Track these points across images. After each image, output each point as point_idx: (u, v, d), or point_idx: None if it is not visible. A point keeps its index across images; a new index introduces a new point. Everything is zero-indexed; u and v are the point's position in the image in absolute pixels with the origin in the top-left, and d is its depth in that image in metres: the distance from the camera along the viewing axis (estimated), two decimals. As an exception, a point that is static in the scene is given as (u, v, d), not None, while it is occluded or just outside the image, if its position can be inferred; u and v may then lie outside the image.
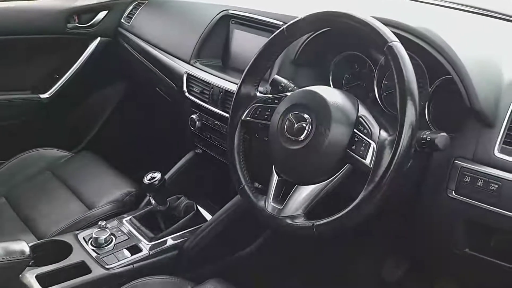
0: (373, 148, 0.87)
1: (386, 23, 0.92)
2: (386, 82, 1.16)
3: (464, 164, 0.92)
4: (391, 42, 0.86)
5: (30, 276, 1.12)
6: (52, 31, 1.85)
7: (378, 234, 1.33)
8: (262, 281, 1.40)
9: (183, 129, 1.56)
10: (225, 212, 1.35)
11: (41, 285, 1.12)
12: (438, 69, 1.00)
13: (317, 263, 1.48)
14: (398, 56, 0.85)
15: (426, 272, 1.34)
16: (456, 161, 0.93)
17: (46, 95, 1.89)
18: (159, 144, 1.95)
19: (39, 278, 1.13)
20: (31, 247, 1.06)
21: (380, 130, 0.89)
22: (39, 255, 1.13)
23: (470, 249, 0.98)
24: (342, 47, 1.22)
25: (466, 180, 0.92)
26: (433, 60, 0.99)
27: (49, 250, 1.24)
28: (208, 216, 1.43)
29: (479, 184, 0.90)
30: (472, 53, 0.97)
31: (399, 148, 0.82)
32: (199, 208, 1.43)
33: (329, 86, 1.25)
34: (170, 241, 1.33)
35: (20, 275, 1.07)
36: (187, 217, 1.38)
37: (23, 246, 1.04)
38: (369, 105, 0.98)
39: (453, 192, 0.94)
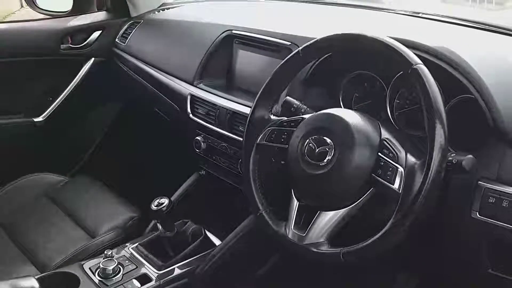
0: (401, 173, 0.85)
1: (403, 43, 0.92)
2: (398, 101, 1.15)
3: (488, 185, 0.91)
4: (416, 64, 0.86)
5: (38, 313, 1.07)
6: (45, 52, 1.81)
7: (391, 251, 1.31)
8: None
9: (185, 151, 1.53)
10: (235, 237, 1.31)
11: (50, 322, 1.07)
12: (452, 88, 0.99)
13: (327, 280, 1.46)
14: (423, 79, 0.84)
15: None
16: (479, 182, 0.92)
17: (40, 119, 1.83)
18: (159, 166, 1.91)
19: (47, 314, 1.09)
20: (37, 280, 1.02)
21: (406, 154, 0.88)
22: (45, 289, 1.08)
23: (493, 269, 0.97)
24: (352, 67, 1.21)
25: (491, 201, 0.90)
26: (448, 79, 0.98)
27: (55, 283, 1.19)
28: (216, 240, 1.40)
29: (505, 205, 0.89)
30: (491, 71, 0.97)
31: (430, 173, 0.80)
32: (207, 232, 1.40)
33: (339, 105, 1.24)
34: (179, 269, 1.29)
35: (29, 313, 1.02)
36: (195, 243, 1.34)
37: (32, 282, 1.00)
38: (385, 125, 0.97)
39: (477, 213, 0.92)
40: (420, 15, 1.43)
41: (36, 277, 1.05)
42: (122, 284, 1.20)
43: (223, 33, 1.45)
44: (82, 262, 1.27)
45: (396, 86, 1.13)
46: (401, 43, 0.90)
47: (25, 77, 1.81)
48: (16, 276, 1.27)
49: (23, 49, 1.77)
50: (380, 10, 1.52)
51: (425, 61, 0.89)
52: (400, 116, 1.14)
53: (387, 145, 0.89)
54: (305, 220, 0.96)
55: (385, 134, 0.92)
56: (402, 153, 0.88)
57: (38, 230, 1.48)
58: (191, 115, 1.44)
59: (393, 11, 1.50)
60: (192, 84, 1.47)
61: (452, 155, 0.87)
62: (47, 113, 1.85)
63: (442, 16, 1.37)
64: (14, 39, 1.77)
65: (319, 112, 1.00)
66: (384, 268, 1.45)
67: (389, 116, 1.16)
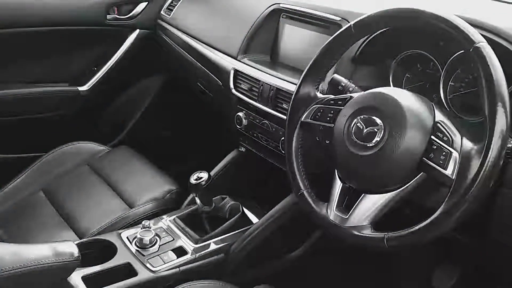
0: (455, 158, 0.80)
1: (469, 22, 0.85)
2: (453, 84, 1.09)
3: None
4: (479, 43, 0.80)
5: (76, 278, 1.09)
6: (91, 22, 1.81)
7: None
8: (309, 286, 1.35)
9: (226, 126, 1.51)
10: (273, 216, 1.29)
11: (87, 287, 1.08)
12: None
13: (364, 268, 1.43)
14: (486, 58, 0.78)
15: (484, 281, 1.27)
16: (540, 172, 0.86)
17: (84, 88, 1.85)
18: (199, 140, 1.91)
19: (85, 279, 1.10)
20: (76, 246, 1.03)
21: (462, 138, 0.82)
22: (84, 254, 1.09)
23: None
24: (404, 45, 1.15)
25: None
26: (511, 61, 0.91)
27: (93, 250, 1.21)
28: (253, 218, 1.38)
29: None
30: None
31: (488, 159, 0.75)
32: (244, 209, 1.39)
33: (389, 85, 1.19)
34: (215, 244, 1.28)
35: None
36: (233, 219, 1.33)
37: (72, 247, 1.01)
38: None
39: (535, 204, 0.87)
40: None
41: (75, 242, 1.06)
42: (158, 255, 1.21)
43: (270, 6, 1.41)
44: (120, 231, 1.29)
45: (452, 67, 1.07)
46: (464, 21, 0.84)
47: (71, 47, 1.83)
48: (56, 240, 1.30)
49: (70, 19, 1.78)
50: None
51: (489, 41, 0.83)
52: (454, 100, 1.08)
53: (441, 128, 0.84)
54: (348, 202, 0.92)
55: (439, 116, 0.86)
56: (457, 137, 0.82)
57: (78, 197, 1.50)
58: (233, 90, 1.41)
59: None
60: (235, 59, 1.44)
61: (511, 141, 0.81)
62: (91, 83, 1.86)
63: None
64: (61, 8, 1.78)
65: (369, 90, 0.95)
66: (424, 258, 1.40)
67: (442, 99, 1.10)
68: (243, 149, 1.51)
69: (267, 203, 1.36)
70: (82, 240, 1.25)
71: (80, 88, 1.85)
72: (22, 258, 0.90)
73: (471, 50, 0.80)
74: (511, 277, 1.07)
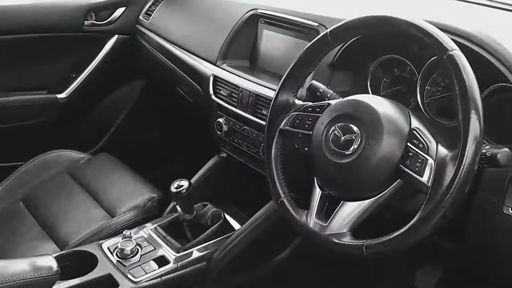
0: (431, 165, 0.81)
1: (439, 27, 0.86)
2: (429, 88, 1.10)
3: (524, 181, 0.86)
4: (452, 50, 0.80)
5: (56, 292, 1.08)
6: (69, 29, 1.79)
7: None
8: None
9: (207, 132, 1.51)
10: (255, 222, 1.29)
11: (68, 301, 1.07)
12: (489, 76, 0.93)
13: (346, 273, 1.43)
14: (459, 66, 0.79)
15: (471, 282, 1.29)
16: (514, 177, 0.87)
17: (63, 95, 1.82)
18: (180, 146, 1.90)
19: (65, 293, 1.09)
20: (55, 258, 1.01)
21: (437, 145, 0.83)
22: (63, 267, 1.08)
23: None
24: (381, 51, 1.16)
25: (525, 197, 0.86)
26: (484, 67, 0.93)
27: (74, 261, 1.19)
28: (235, 225, 1.38)
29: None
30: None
31: (463, 166, 0.76)
32: (226, 216, 1.38)
33: (367, 90, 1.19)
34: (198, 252, 1.27)
35: (47, 292, 1.02)
36: (214, 226, 1.33)
37: (50, 261, 0.99)
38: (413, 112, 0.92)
39: (510, 209, 0.88)
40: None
41: (54, 255, 1.05)
42: (140, 265, 1.20)
43: (248, 12, 1.40)
44: (101, 242, 1.27)
45: (428, 72, 1.08)
46: (437, 27, 0.85)
47: (48, 54, 1.80)
48: (36, 252, 1.28)
49: (47, 25, 1.76)
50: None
51: (461, 47, 0.84)
52: (431, 104, 1.09)
53: (417, 135, 0.85)
54: (328, 209, 0.92)
55: (415, 123, 0.87)
56: (432, 144, 0.83)
57: (58, 207, 1.48)
58: (213, 96, 1.41)
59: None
60: (215, 64, 1.44)
61: (486, 147, 0.82)
62: (70, 90, 1.83)
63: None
64: (39, 15, 1.75)
65: (346, 98, 0.96)
66: (405, 262, 1.41)
67: (419, 103, 1.11)
68: (224, 155, 1.51)
69: (249, 208, 1.36)
70: (61, 252, 1.23)
71: (59, 96, 1.83)
72: (0, 274, 0.89)
73: (444, 57, 0.81)
74: (498, 278, 1.08)
